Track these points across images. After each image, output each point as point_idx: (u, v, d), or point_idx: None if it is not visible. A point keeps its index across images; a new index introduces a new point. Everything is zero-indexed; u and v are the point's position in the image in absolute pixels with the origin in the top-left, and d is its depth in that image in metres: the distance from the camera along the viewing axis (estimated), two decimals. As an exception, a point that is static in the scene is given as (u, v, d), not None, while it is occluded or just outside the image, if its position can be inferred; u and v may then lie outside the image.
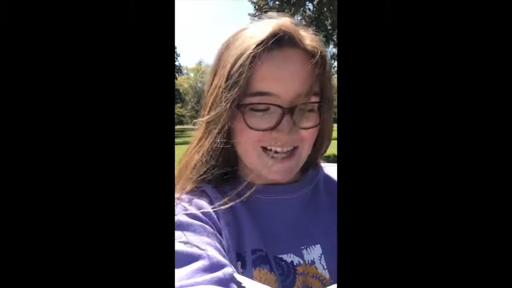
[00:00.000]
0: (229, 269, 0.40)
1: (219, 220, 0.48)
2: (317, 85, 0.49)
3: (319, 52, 0.48)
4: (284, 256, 0.48)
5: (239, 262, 0.46)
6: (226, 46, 0.50)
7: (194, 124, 0.55)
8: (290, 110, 0.46)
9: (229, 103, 0.46)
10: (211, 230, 0.46)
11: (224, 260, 0.41)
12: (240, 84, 0.45)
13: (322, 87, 0.50)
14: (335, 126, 0.55)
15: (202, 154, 0.49)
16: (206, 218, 0.47)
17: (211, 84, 0.51)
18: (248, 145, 0.49)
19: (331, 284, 0.47)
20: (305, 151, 0.51)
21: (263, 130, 0.47)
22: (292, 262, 0.48)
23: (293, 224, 0.51)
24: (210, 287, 0.36)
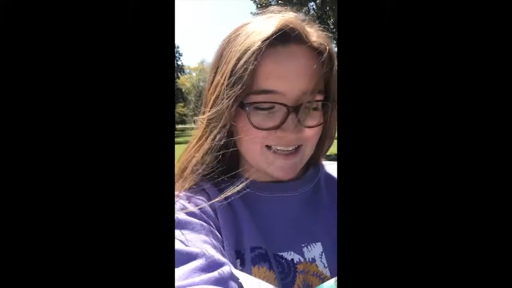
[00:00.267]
0: (227, 268, 0.39)
1: (218, 218, 0.48)
2: (322, 82, 0.48)
3: (326, 48, 0.47)
4: (285, 254, 0.48)
5: (238, 260, 0.46)
6: (228, 42, 0.49)
7: (194, 122, 0.54)
8: (295, 109, 0.45)
9: (232, 100, 0.45)
10: (210, 228, 0.45)
11: (223, 259, 0.41)
12: (244, 81, 0.44)
13: (327, 85, 0.49)
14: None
15: (203, 152, 0.49)
16: (205, 216, 0.47)
17: (212, 81, 0.50)
18: (252, 144, 0.48)
19: None
20: (308, 149, 0.50)
21: (268, 129, 0.46)
22: (292, 260, 0.47)
23: (294, 221, 0.51)
24: (208, 287, 0.36)
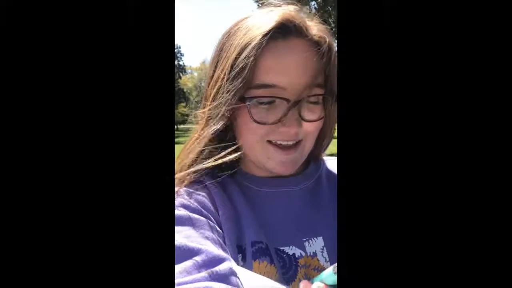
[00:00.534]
0: (228, 263, 0.39)
1: (219, 213, 0.48)
2: (322, 76, 0.48)
3: (326, 42, 0.47)
4: (286, 248, 0.48)
5: (240, 255, 0.46)
6: (228, 36, 0.48)
7: (194, 117, 0.53)
8: (296, 103, 0.45)
9: (232, 95, 0.45)
10: (211, 223, 0.45)
11: (224, 254, 0.41)
12: (244, 75, 0.44)
13: (327, 78, 0.49)
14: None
15: (203, 147, 0.49)
16: (206, 211, 0.47)
17: (212, 75, 0.49)
18: (252, 139, 0.48)
19: None
20: (308, 144, 0.50)
21: (268, 123, 0.46)
22: (293, 254, 0.47)
23: (295, 216, 0.51)
24: (209, 283, 0.36)
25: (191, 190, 0.49)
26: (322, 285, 0.36)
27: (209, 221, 0.46)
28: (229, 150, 0.49)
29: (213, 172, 0.50)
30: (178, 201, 0.47)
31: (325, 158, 0.61)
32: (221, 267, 0.38)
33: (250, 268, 0.45)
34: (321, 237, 0.50)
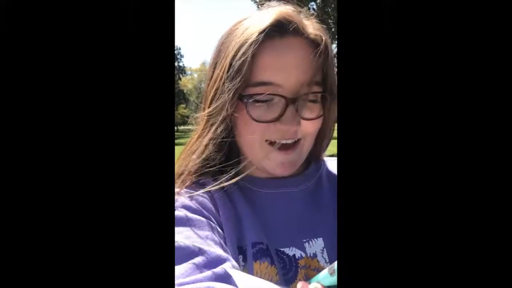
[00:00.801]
0: (228, 264, 0.39)
1: (219, 214, 0.48)
2: (320, 74, 0.48)
3: (322, 40, 0.47)
4: (286, 250, 0.48)
5: (241, 256, 0.46)
6: (226, 37, 0.49)
7: (195, 119, 0.53)
8: (293, 101, 0.45)
9: (232, 93, 0.45)
10: (212, 224, 0.45)
11: (225, 255, 0.41)
12: (242, 74, 0.44)
13: (325, 76, 0.49)
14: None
15: (203, 148, 0.49)
16: (207, 212, 0.47)
17: (212, 76, 0.50)
18: (251, 138, 0.48)
19: None
20: (307, 144, 0.50)
21: (267, 121, 0.46)
22: (294, 255, 0.48)
23: (295, 217, 0.51)
24: (210, 284, 0.36)
25: (191, 191, 0.49)
26: (319, 285, 0.36)
27: (210, 222, 0.46)
28: (229, 152, 0.49)
29: (214, 173, 0.50)
30: (179, 202, 0.47)
31: (326, 158, 0.61)
32: (222, 268, 0.38)
33: (250, 268, 0.45)
34: (321, 238, 0.50)
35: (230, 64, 0.46)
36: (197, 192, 0.49)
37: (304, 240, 0.49)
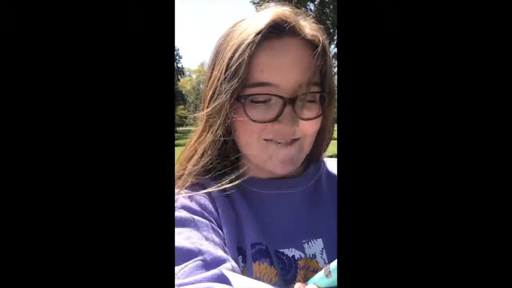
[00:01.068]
0: (228, 265, 0.40)
1: (219, 215, 0.48)
2: (318, 74, 0.48)
3: (320, 40, 0.48)
4: (285, 250, 0.48)
5: (240, 257, 0.46)
6: (224, 39, 0.49)
7: (194, 119, 0.54)
8: (291, 101, 0.46)
9: (229, 94, 0.45)
10: (211, 225, 0.46)
11: (224, 255, 0.41)
12: (240, 74, 0.45)
13: (323, 76, 0.49)
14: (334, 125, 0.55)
15: (203, 149, 0.49)
16: (206, 213, 0.47)
17: (210, 77, 0.50)
18: (250, 138, 0.48)
19: None
20: (307, 144, 0.50)
21: (265, 121, 0.46)
22: (293, 256, 0.48)
23: (295, 218, 0.51)
24: (209, 285, 0.36)
25: (191, 192, 0.49)
26: (315, 287, 0.36)
27: (210, 222, 0.46)
28: (228, 152, 0.50)
29: (213, 173, 0.50)
30: (179, 202, 0.47)
31: (326, 159, 0.61)
32: (222, 269, 0.38)
33: (250, 269, 0.45)
34: (320, 239, 0.50)
35: (228, 65, 0.46)
36: (197, 193, 0.49)
37: (304, 241, 0.49)
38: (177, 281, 0.37)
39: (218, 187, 0.48)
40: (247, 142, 0.49)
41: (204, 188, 0.50)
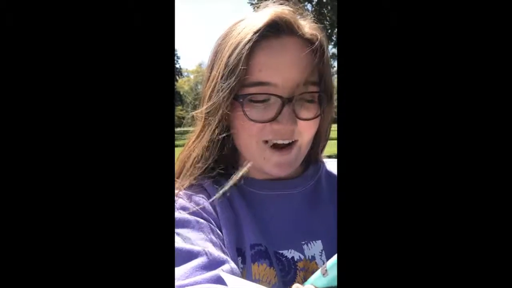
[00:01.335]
0: (227, 266, 0.39)
1: (218, 216, 0.48)
2: (316, 74, 0.48)
3: (318, 39, 0.47)
4: (285, 252, 0.48)
5: (240, 258, 0.46)
6: (223, 39, 0.49)
7: (192, 119, 0.54)
8: (289, 100, 0.46)
9: (227, 93, 0.45)
10: (211, 226, 0.45)
11: (224, 256, 0.41)
12: (237, 73, 0.45)
13: (321, 76, 0.49)
14: (334, 125, 0.55)
15: (201, 149, 0.49)
16: (206, 214, 0.47)
17: (209, 77, 0.50)
18: (248, 138, 0.48)
19: None
20: (304, 145, 0.50)
21: (264, 121, 0.46)
22: (292, 257, 0.48)
23: (294, 219, 0.51)
24: (209, 285, 0.36)
25: (190, 192, 0.49)
26: (312, 287, 0.36)
27: (209, 223, 0.46)
28: (228, 153, 0.49)
29: (212, 174, 0.50)
30: (178, 203, 0.47)
31: (325, 160, 0.61)
32: (221, 270, 0.38)
33: (249, 270, 0.45)
34: (319, 241, 0.49)
35: (226, 64, 0.46)
36: (196, 194, 0.49)
37: (303, 242, 0.49)
38: (176, 282, 0.36)
39: (218, 190, 0.48)
40: (246, 143, 0.49)
41: (203, 189, 0.50)
